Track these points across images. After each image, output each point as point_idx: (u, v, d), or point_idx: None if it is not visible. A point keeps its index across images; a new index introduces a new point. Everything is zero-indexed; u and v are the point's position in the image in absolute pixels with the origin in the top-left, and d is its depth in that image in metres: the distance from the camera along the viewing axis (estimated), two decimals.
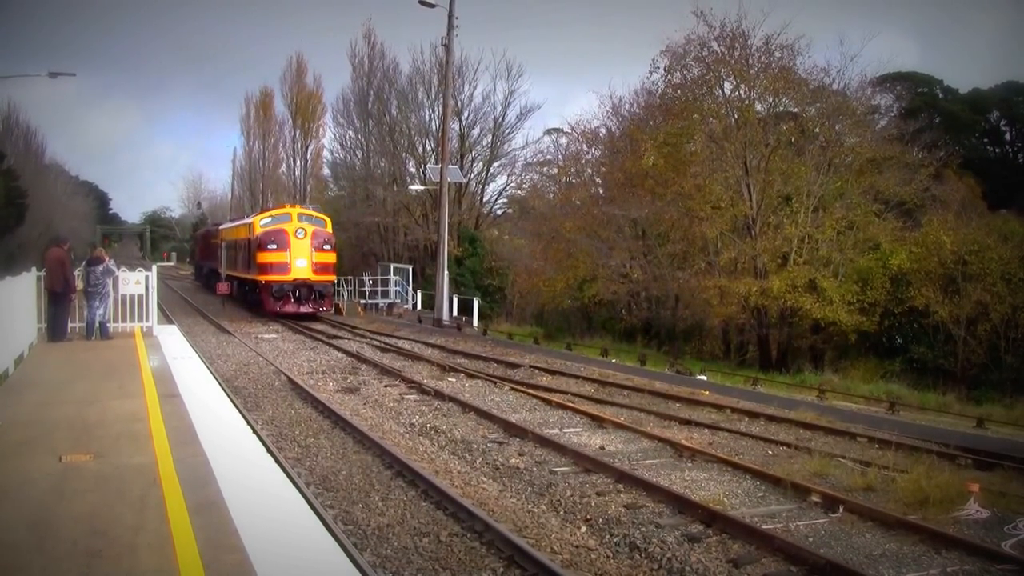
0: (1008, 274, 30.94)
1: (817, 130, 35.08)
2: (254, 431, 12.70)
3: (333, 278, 39.64)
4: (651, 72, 37.88)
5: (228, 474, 8.21)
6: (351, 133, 64.21)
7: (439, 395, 19.21)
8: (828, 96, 34.77)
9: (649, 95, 41.92)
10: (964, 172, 47.74)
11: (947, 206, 37.07)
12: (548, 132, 56.77)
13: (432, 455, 14.26)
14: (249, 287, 41.13)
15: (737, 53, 34.55)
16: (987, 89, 65.24)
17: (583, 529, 10.58)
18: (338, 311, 42.09)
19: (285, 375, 21.76)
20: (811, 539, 10.24)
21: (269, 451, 11.73)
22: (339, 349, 26.95)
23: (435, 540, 9.88)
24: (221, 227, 54.83)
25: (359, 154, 62.32)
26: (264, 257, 37.05)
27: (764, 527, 10.35)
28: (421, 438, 15.55)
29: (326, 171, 78.18)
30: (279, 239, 36.75)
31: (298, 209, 41.22)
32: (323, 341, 28.93)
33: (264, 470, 8.86)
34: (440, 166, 38.46)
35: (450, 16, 35.64)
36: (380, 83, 61.23)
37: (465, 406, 17.95)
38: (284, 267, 36.60)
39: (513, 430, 15.67)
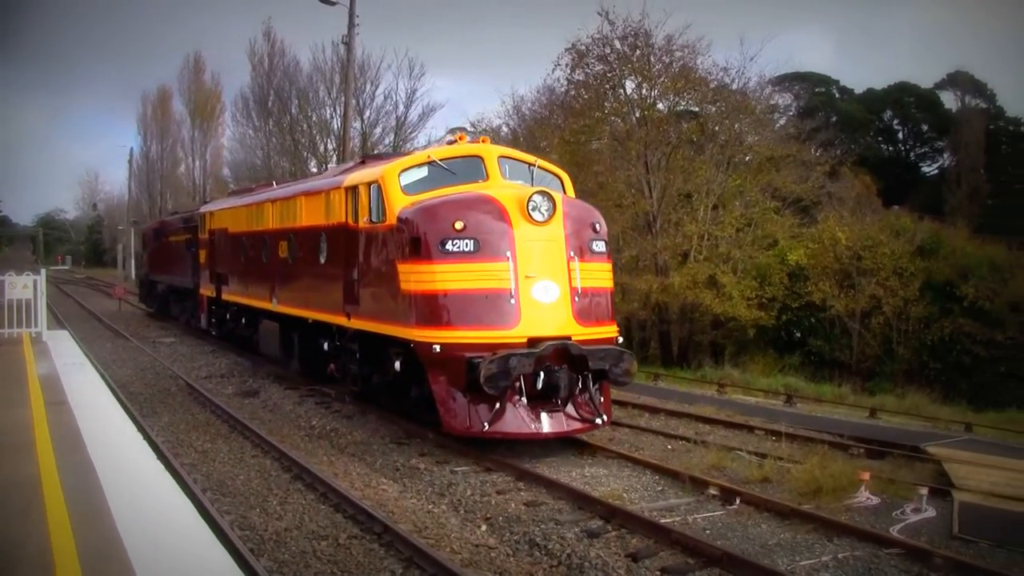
0: (900, 268, 31.92)
1: (717, 129, 35.59)
2: (146, 437, 12.45)
3: (615, 330, 15.08)
4: (554, 68, 37.95)
5: (116, 483, 8.00)
6: (251, 132, 63.31)
7: (339, 397, 18.98)
8: (728, 95, 35.32)
9: (551, 93, 42.08)
10: (860, 170, 49.00)
11: (843, 203, 38.01)
12: (451, 131, 56.54)
13: (332, 457, 14.11)
14: (365, 354, 16.79)
15: (639, 52, 34.90)
16: (880, 89, 67.05)
17: (483, 528, 10.57)
18: None
19: (183, 380, 21.31)
20: (708, 531, 10.40)
21: (162, 457, 11.50)
22: (239, 353, 26.39)
23: (334, 543, 9.77)
24: (216, 208, 28.56)
25: (259, 153, 61.38)
26: (429, 277, 13.97)
27: (662, 521, 10.49)
28: (321, 440, 15.40)
29: (226, 171, 76.96)
30: (480, 226, 13.94)
31: (499, 149, 16.79)
32: (223, 345, 28.26)
33: (155, 477, 8.67)
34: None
35: (351, 14, 35.27)
36: (280, 81, 60.38)
37: (365, 408, 17.78)
38: (502, 306, 13.65)
39: (414, 431, 15.56)
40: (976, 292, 30.69)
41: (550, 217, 14.05)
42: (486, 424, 13.27)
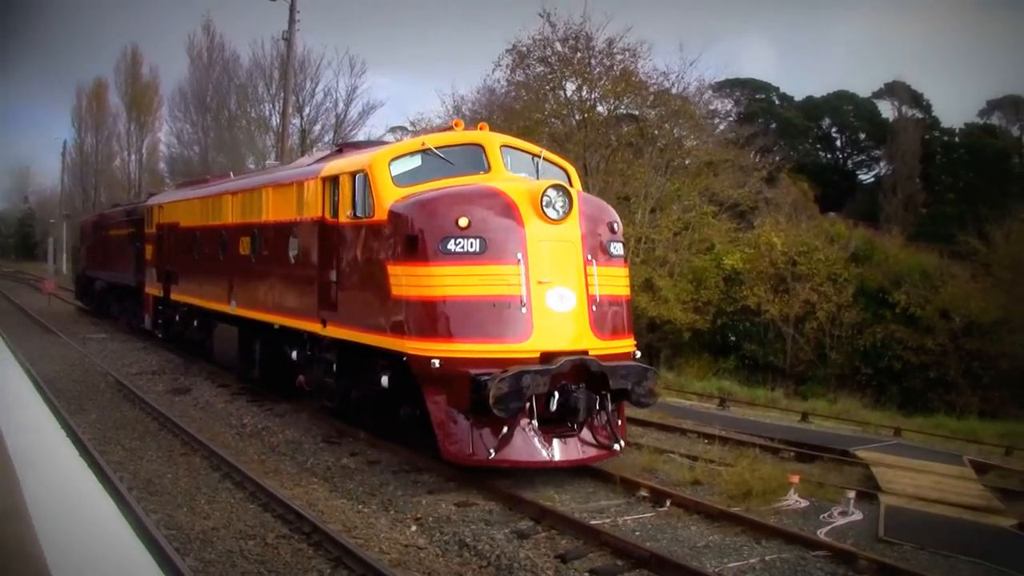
0: (834, 274, 32.48)
1: (657, 132, 35.77)
2: (71, 434, 12.19)
3: (633, 344, 13.31)
4: (494, 69, 37.89)
5: (36, 481, 7.81)
6: (188, 127, 62.66)
7: (272, 396, 18.72)
8: (668, 100, 35.52)
9: (491, 93, 42.05)
10: (798, 176, 49.79)
11: (779, 208, 38.48)
12: (392, 130, 56.40)
13: (262, 456, 13.94)
14: (344, 366, 14.48)
15: (580, 55, 34.97)
16: (820, 97, 68.07)
17: (413, 528, 10.46)
18: None
19: (113, 376, 20.90)
20: (638, 533, 10.39)
21: (87, 455, 11.27)
22: (171, 350, 25.85)
23: (261, 543, 9.64)
24: (166, 200, 26.69)
25: (196, 149, 60.74)
26: (427, 281, 11.96)
27: (592, 522, 10.45)
28: (252, 439, 15.18)
29: (163, 166, 76.03)
30: (486, 224, 11.98)
31: (501, 137, 14.64)
32: (156, 342, 27.67)
33: (79, 475, 8.50)
34: (280, 162, 37.70)
35: (291, 10, 35.03)
36: (219, 77, 59.89)
37: (298, 406, 17.57)
38: (511, 316, 11.73)
39: (346, 430, 15.42)
40: (908, 299, 31.30)
41: (566, 215, 12.16)
42: (492, 451, 11.46)
